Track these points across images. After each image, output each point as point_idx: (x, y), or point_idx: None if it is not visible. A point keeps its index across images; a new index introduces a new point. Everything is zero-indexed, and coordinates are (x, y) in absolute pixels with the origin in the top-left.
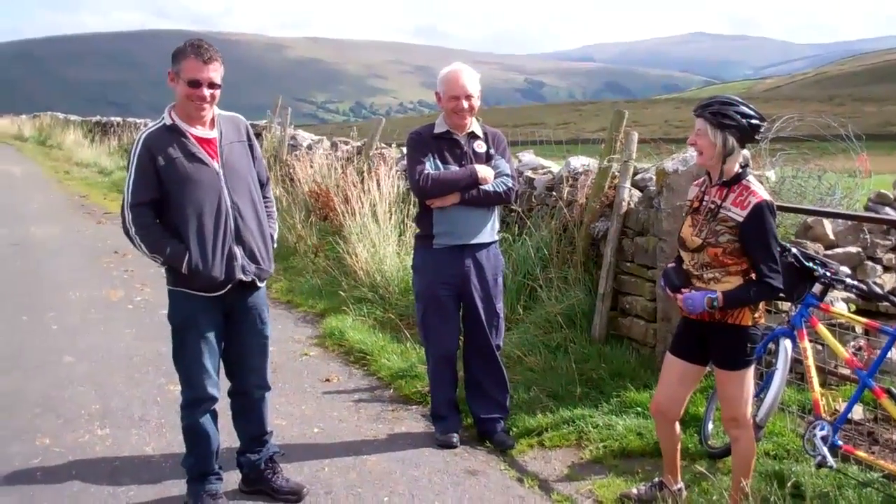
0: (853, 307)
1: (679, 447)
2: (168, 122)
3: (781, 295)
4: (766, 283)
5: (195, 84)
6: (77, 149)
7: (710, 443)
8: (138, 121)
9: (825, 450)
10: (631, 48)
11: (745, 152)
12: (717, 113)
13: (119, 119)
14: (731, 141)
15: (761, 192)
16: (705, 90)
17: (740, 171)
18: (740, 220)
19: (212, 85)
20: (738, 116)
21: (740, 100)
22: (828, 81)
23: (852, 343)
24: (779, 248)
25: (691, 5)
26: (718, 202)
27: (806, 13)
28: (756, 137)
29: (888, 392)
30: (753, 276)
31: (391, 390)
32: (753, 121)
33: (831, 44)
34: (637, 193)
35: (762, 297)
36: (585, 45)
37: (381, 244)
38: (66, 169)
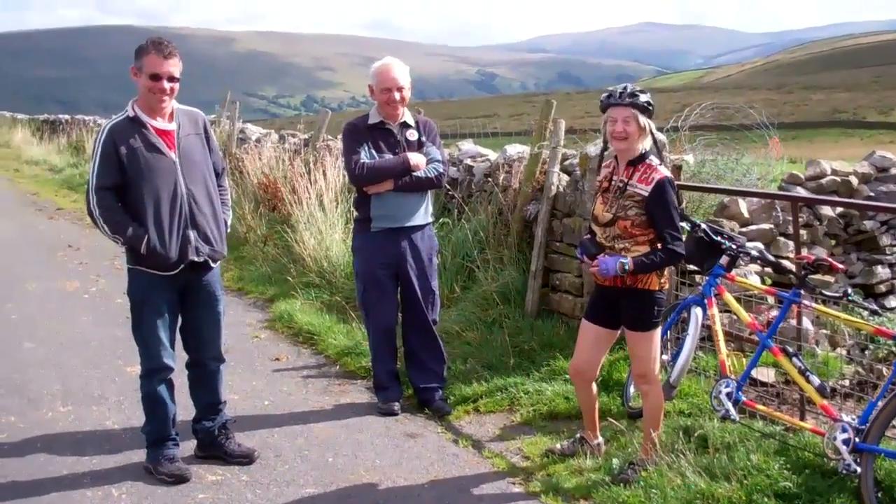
0: (769, 281)
1: (597, 405)
2: (131, 114)
3: (695, 268)
4: (670, 250)
5: (156, 77)
6: (26, 147)
7: (630, 404)
8: (87, 118)
9: (729, 404)
10: (582, 38)
11: (661, 136)
12: (646, 101)
13: (67, 117)
14: (651, 123)
15: (663, 170)
16: (657, 80)
17: (644, 151)
18: (646, 194)
19: (171, 78)
20: (651, 102)
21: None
22: (777, 70)
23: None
24: (689, 223)
25: None
26: (626, 180)
27: (754, 2)
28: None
29: (784, 351)
30: (659, 245)
31: (337, 367)
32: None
33: (780, 32)
34: (566, 178)
35: (667, 262)
36: (537, 36)
37: (328, 232)
38: (16, 167)
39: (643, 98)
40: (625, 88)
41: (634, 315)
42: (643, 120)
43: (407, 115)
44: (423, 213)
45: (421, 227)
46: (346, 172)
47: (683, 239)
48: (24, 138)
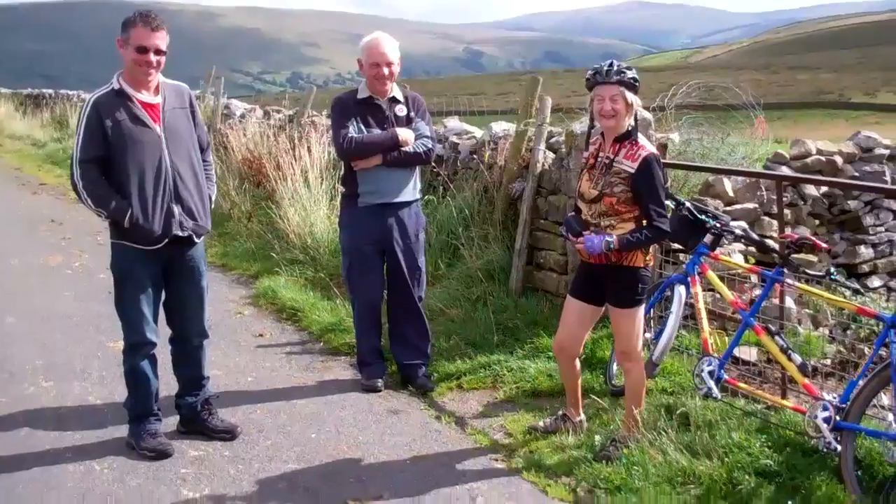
0: (752, 260)
1: (579, 382)
2: (116, 86)
3: (679, 246)
4: (656, 227)
5: (143, 50)
6: (8, 121)
7: (613, 382)
8: (71, 93)
9: (711, 382)
10: (570, 17)
11: (647, 115)
12: (632, 78)
13: (51, 91)
14: (637, 99)
15: (649, 147)
16: (643, 59)
17: (630, 128)
18: (632, 171)
19: (158, 51)
20: (636, 77)
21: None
22: (764, 50)
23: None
24: (673, 201)
25: None
26: (612, 157)
27: None
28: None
29: (766, 329)
30: (644, 222)
31: (321, 343)
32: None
33: (768, 12)
34: (551, 155)
35: (653, 239)
36: (525, 15)
37: (313, 208)
38: None
39: (630, 75)
40: (611, 65)
41: (618, 291)
42: (630, 97)
43: (396, 91)
44: (412, 190)
45: (409, 204)
46: (334, 146)
47: (669, 216)
48: (7, 112)
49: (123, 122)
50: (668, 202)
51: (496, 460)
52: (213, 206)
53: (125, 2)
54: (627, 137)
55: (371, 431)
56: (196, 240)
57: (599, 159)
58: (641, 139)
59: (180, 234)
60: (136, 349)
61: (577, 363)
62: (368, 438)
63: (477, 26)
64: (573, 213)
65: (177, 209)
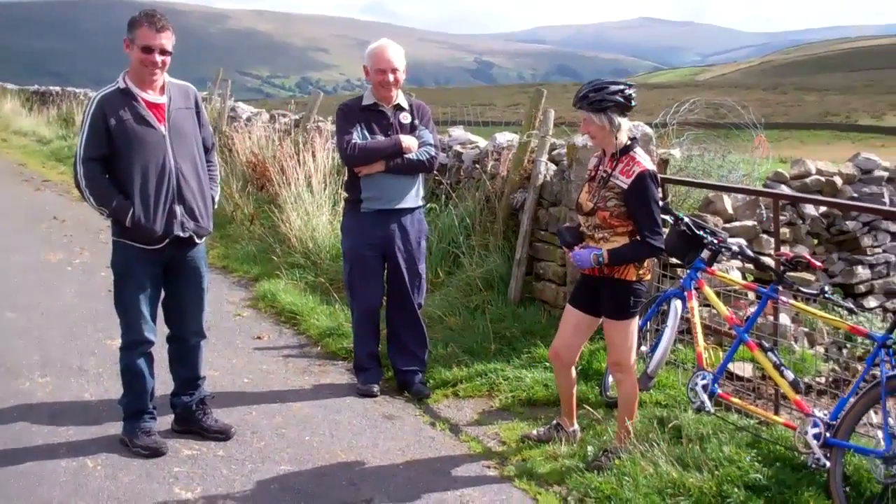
0: (750, 277)
1: (574, 392)
2: (122, 85)
3: (677, 260)
4: (647, 243)
5: (148, 50)
6: (15, 117)
7: (608, 394)
8: (78, 90)
9: (704, 396)
10: (580, 31)
11: (648, 130)
12: (595, 101)
13: (58, 88)
14: (615, 118)
15: (645, 163)
16: (652, 75)
17: (629, 142)
18: (625, 187)
19: (163, 52)
20: (613, 95)
21: (609, 79)
22: (772, 70)
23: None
24: (672, 216)
25: None
26: (609, 171)
27: (752, 2)
28: (633, 104)
29: (760, 345)
30: (638, 237)
31: (319, 347)
32: (626, 91)
33: (777, 33)
34: (553, 167)
35: (643, 254)
36: (535, 27)
37: (315, 213)
38: (4, 137)
39: (591, 98)
40: (579, 91)
41: (611, 303)
42: (599, 118)
43: (401, 98)
44: (414, 196)
45: (411, 210)
46: (338, 152)
47: (664, 232)
48: (14, 108)
49: (128, 121)
50: (666, 217)
51: (489, 467)
52: (215, 207)
53: (135, 1)
54: (626, 152)
55: (365, 436)
56: (197, 240)
57: (599, 172)
58: (639, 154)
59: (181, 234)
60: (133, 347)
61: (573, 372)
62: (362, 442)
63: (487, 37)
64: (568, 224)
65: (179, 209)
